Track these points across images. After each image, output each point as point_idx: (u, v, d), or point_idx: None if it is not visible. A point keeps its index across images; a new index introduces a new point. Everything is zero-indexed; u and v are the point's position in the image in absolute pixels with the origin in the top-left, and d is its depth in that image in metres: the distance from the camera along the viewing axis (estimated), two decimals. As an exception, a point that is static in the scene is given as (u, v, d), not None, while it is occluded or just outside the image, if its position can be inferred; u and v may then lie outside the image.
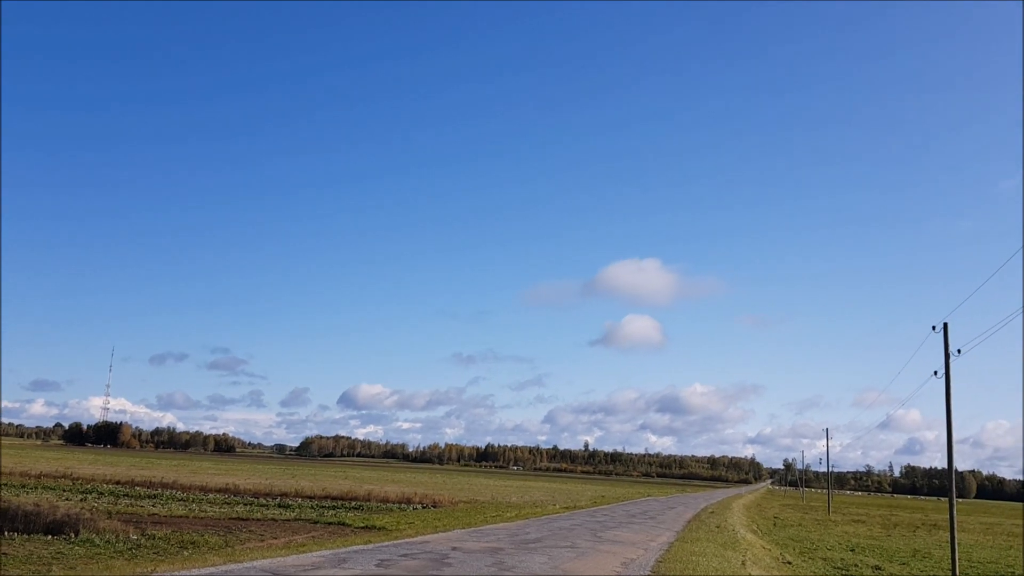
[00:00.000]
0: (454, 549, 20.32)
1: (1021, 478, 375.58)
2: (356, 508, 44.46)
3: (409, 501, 52.24)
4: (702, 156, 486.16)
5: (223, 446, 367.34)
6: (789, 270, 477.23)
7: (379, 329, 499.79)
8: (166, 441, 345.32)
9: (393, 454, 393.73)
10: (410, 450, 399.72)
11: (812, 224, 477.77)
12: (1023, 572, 26.88)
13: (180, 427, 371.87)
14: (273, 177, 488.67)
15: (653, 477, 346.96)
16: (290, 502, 47.18)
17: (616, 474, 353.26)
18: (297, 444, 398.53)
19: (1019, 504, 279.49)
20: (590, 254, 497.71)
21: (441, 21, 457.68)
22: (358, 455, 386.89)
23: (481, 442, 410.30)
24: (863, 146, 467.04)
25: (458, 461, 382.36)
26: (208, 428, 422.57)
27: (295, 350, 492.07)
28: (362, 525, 30.56)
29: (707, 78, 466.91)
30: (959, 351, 28.90)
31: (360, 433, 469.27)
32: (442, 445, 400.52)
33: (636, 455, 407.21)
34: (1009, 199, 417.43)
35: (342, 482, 73.01)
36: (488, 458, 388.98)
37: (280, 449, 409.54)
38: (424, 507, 47.72)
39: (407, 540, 22.30)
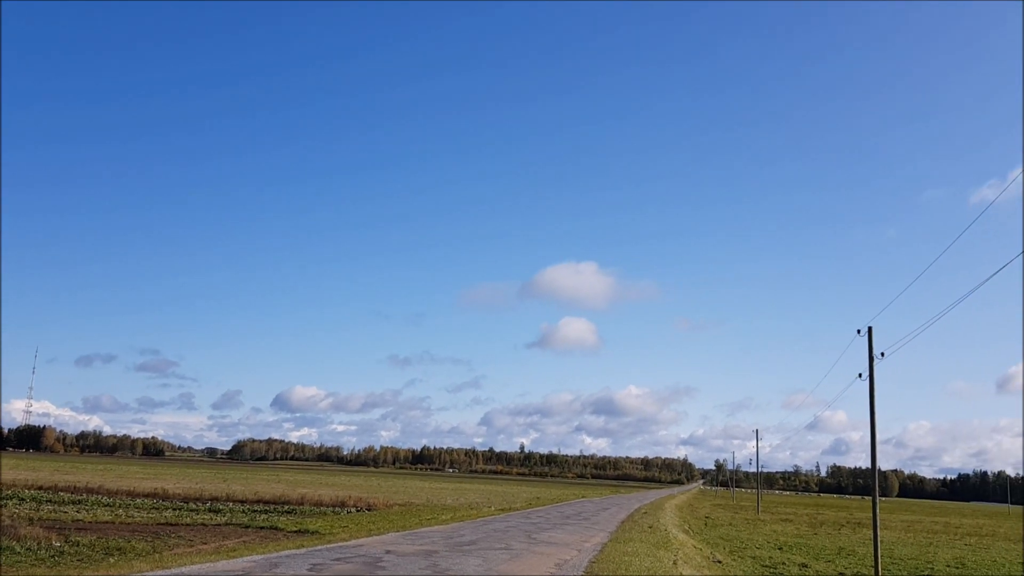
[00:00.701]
0: (388, 552, 20.22)
1: (940, 477, 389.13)
2: (289, 512, 43.86)
3: (343, 505, 51.74)
4: (640, 160, 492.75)
5: (152, 450, 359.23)
6: (722, 274, 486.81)
7: (314, 331, 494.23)
8: (92, 445, 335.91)
9: (328, 457, 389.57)
10: (345, 453, 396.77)
11: (745, 230, 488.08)
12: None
13: (107, 431, 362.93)
14: (204, 176, 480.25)
15: (588, 478, 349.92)
16: (221, 507, 46.33)
17: (551, 476, 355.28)
18: (229, 448, 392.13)
19: (938, 502, 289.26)
20: (528, 256, 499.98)
21: (376, 21, 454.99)
22: (292, 458, 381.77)
23: (417, 444, 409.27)
24: (794, 154, 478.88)
25: (394, 464, 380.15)
26: (136, 432, 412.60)
27: (227, 352, 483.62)
28: (295, 529, 30.20)
29: (645, 81, 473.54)
30: (882, 354, 29.81)
31: (294, 436, 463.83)
32: (377, 448, 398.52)
33: (571, 457, 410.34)
34: (932, 208, 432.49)
35: (275, 486, 71.97)
36: (424, 460, 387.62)
37: (211, 453, 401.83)
38: (359, 510, 47.33)
39: (340, 544, 22.10)
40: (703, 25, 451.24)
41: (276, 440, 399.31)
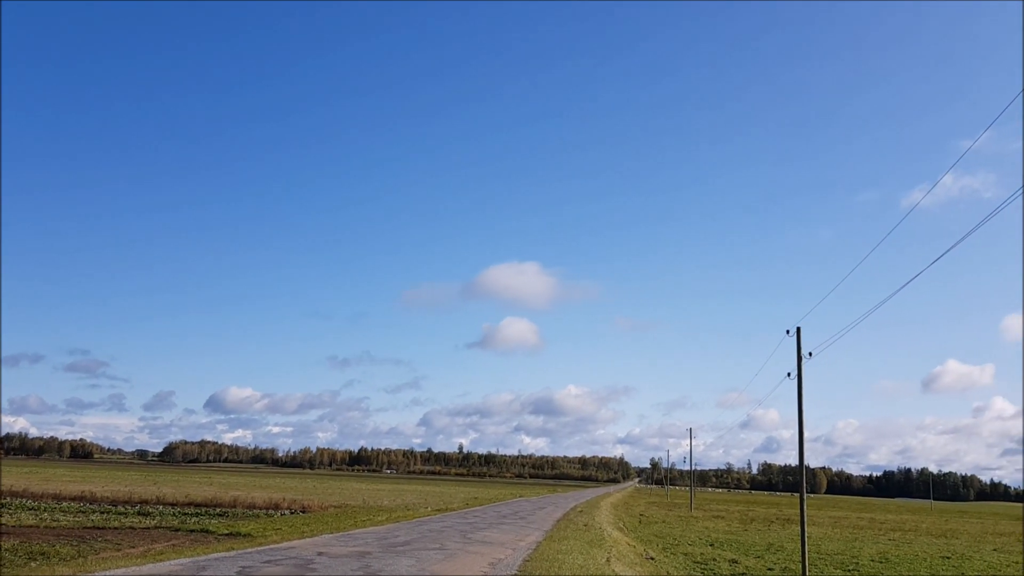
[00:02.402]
0: (320, 554, 20.05)
1: (866, 474, 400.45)
2: (221, 515, 43.16)
3: (277, 507, 51.13)
4: (583, 159, 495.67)
5: (80, 452, 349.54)
6: (662, 275, 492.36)
7: (250, 330, 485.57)
8: (17, 448, 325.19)
9: (262, 459, 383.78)
10: (280, 455, 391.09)
11: (684, 230, 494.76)
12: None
13: (33, 432, 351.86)
14: (138, 171, 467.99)
15: (526, 478, 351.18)
16: (151, 510, 45.39)
17: (490, 476, 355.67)
18: (160, 450, 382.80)
19: (865, 498, 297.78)
20: (470, 256, 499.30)
21: (311, 29, 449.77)
22: (225, 460, 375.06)
23: (355, 446, 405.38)
24: (733, 157, 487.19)
25: (330, 466, 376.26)
26: (64, 433, 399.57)
27: (160, 351, 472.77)
28: (226, 532, 29.74)
29: (585, 79, 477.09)
30: (810, 354, 30.59)
31: (228, 438, 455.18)
32: (313, 449, 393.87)
33: (510, 457, 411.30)
34: (865, 210, 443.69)
35: (207, 488, 70.65)
36: (361, 462, 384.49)
37: (142, 455, 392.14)
38: (293, 513, 46.81)
39: (272, 546, 21.84)
40: (638, 21, 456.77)
41: (209, 442, 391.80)
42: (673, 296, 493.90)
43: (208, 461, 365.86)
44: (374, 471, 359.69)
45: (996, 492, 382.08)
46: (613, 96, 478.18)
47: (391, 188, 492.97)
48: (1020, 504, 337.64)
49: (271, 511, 48.24)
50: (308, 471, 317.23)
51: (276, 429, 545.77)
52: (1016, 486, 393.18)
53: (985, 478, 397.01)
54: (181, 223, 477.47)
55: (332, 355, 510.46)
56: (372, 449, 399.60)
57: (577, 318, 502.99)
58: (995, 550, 45.41)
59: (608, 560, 23.56)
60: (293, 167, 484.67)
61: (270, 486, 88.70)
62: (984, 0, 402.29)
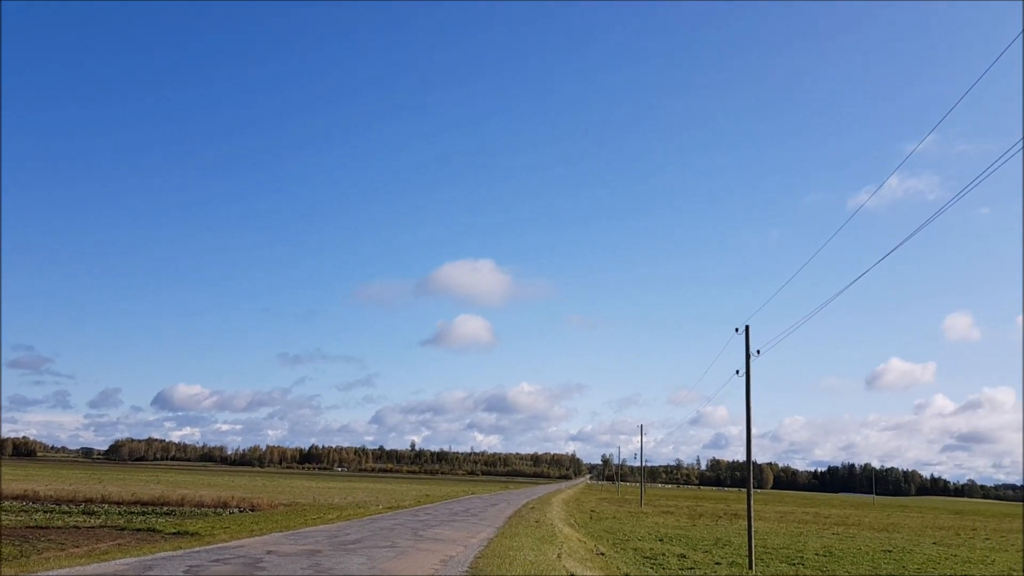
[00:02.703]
0: (269, 553, 19.90)
1: (812, 469, 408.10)
2: (168, 514, 42.55)
3: (226, 505, 50.55)
4: (536, 158, 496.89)
5: (23, 450, 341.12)
6: (615, 272, 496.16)
7: (199, 327, 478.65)
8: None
9: (211, 457, 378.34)
10: (229, 453, 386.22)
11: (637, 228, 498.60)
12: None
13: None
14: (82, 162, 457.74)
15: (478, 475, 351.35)
16: (96, 508, 44.56)
17: (442, 473, 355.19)
18: (106, 448, 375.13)
19: (810, 493, 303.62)
20: (424, 253, 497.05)
21: (272, 20, 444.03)
22: (173, 458, 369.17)
23: (305, 443, 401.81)
24: (683, 157, 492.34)
25: (280, 464, 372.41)
26: (6, 431, 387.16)
27: (106, 348, 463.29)
28: (173, 531, 29.34)
29: (538, 78, 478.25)
30: (758, 351, 31.18)
31: (175, 436, 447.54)
32: (263, 447, 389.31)
33: (462, 454, 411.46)
34: (813, 211, 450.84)
35: (154, 487, 69.48)
36: (312, 460, 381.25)
37: (87, 453, 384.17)
38: (241, 511, 46.31)
39: (220, 545, 21.60)
40: (593, 19, 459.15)
41: (156, 440, 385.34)
42: (625, 294, 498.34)
43: (155, 459, 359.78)
44: (325, 469, 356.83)
45: (936, 487, 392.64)
46: (568, 95, 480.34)
47: (344, 184, 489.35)
48: (959, 498, 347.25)
49: (220, 510, 47.66)
50: (258, 469, 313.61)
51: (225, 427, 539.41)
52: (955, 481, 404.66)
53: (926, 473, 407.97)
54: (127, 216, 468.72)
55: (283, 352, 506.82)
56: (323, 447, 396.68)
57: (531, 316, 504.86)
58: (935, 544, 46.68)
59: (559, 556, 23.74)
60: (245, 161, 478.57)
61: (219, 484, 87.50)
62: (932, 1, 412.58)
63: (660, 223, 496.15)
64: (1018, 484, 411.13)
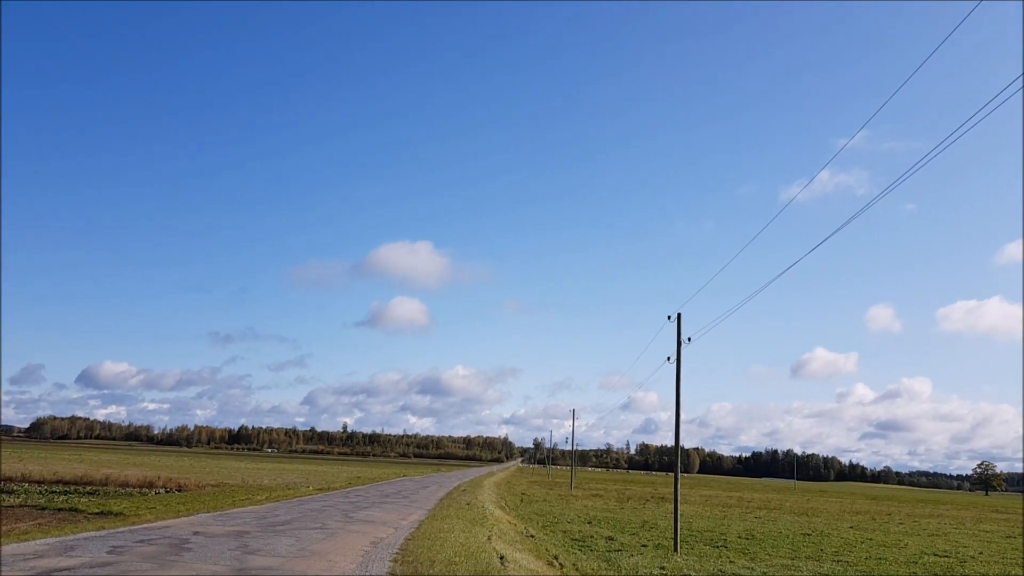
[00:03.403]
0: (196, 533, 19.67)
1: (737, 455, 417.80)
2: (91, 493, 41.63)
3: (152, 485, 49.67)
4: (477, 141, 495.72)
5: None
6: (552, 258, 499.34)
7: (126, 303, 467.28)
8: None
9: (137, 436, 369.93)
10: (156, 432, 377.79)
11: (575, 216, 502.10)
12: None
13: None
14: (21, 135, 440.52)
15: (411, 458, 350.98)
16: (15, 487, 43.37)
17: (374, 455, 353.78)
18: (27, 425, 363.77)
19: (734, 478, 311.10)
20: (361, 234, 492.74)
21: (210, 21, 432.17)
22: (97, 437, 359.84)
23: (235, 424, 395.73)
24: (621, 147, 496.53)
25: (208, 444, 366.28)
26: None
27: (28, 322, 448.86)
28: (97, 511, 28.67)
29: (474, 60, 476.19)
30: (689, 339, 31.79)
31: (100, 414, 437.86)
32: (191, 427, 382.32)
33: (395, 436, 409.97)
34: (746, 202, 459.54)
35: (77, 466, 67.73)
36: (241, 440, 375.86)
37: (7, 431, 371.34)
38: (168, 491, 45.54)
39: (146, 525, 21.27)
40: (523, 8, 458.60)
41: (80, 418, 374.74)
42: (562, 280, 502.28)
43: (79, 438, 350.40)
44: (255, 450, 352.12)
45: (854, 473, 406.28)
46: (506, 82, 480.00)
47: (281, 164, 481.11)
48: (876, 484, 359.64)
49: (145, 490, 46.79)
50: (185, 449, 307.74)
51: (152, 406, 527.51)
52: (872, 467, 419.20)
53: (845, 460, 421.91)
54: (53, 188, 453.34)
55: (214, 331, 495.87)
56: (253, 428, 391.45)
57: (468, 299, 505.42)
58: (851, 528, 48.33)
59: (489, 538, 23.98)
60: (178, 138, 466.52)
61: (144, 464, 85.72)
62: (861, 0, 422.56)
63: (598, 211, 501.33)
64: (931, 471, 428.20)
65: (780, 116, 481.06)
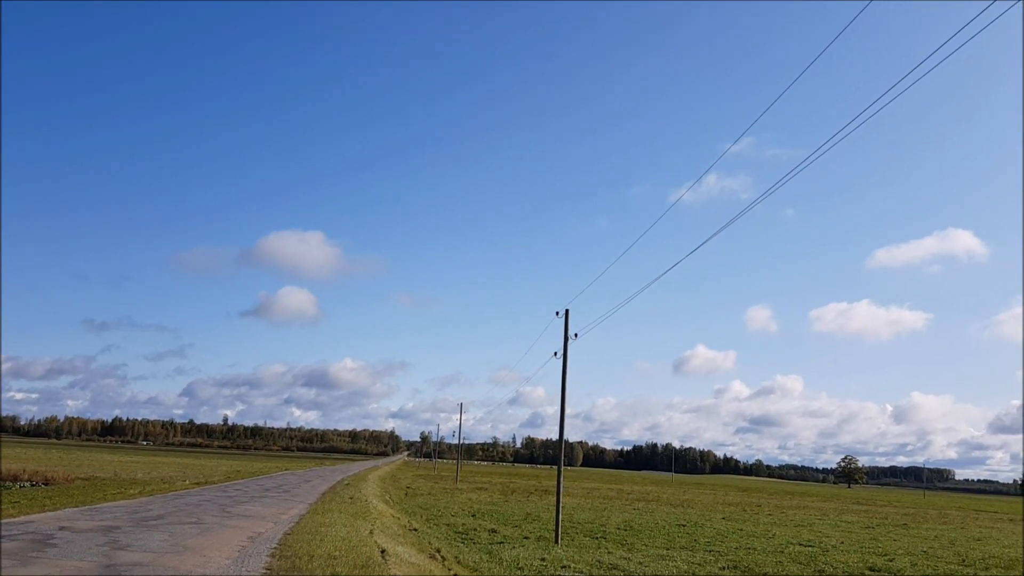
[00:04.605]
0: (62, 528, 18.87)
1: (619, 448, 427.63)
2: (-55, 488, 39.18)
3: (16, 479, 47.32)
4: (370, 130, 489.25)
5: None
6: (445, 253, 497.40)
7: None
8: None
9: (1, 427, 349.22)
10: (23, 423, 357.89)
11: (469, 212, 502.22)
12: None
13: None
14: None
15: (294, 451, 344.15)
16: None
17: (256, 449, 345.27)
18: None
19: (616, 471, 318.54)
20: (249, 221, 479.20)
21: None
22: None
23: (108, 415, 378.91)
24: (520, 144, 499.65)
25: (80, 436, 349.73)
26: None
27: None
28: (-49, 507, 27.09)
29: (372, 48, 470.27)
30: (576, 335, 32.41)
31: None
32: (61, 418, 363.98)
33: (278, 429, 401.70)
34: (638, 202, 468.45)
35: (-71, 459, 63.69)
36: (115, 432, 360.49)
37: None
38: (34, 485, 43.46)
39: (7, 520, 20.23)
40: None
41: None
42: (455, 275, 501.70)
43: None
44: (129, 442, 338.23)
45: (728, 466, 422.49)
46: (404, 70, 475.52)
47: (165, 145, 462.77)
48: (748, 477, 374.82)
49: (9, 483, 44.49)
50: (54, 441, 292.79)
51: (19, 395, 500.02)
52: (745, 461, 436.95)
53: (720, 453, 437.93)
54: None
55: (88, 318, 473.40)
56: (128, 419, 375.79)
57: (359, 291, 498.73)
58: (724, 519, 50.30)
59: (371, 532, 23.89)
60: (60, 117, 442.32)
61: (9, 456, 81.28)
62: (751, 1, 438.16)
63: (492, 206, 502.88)
64: (799, 464, 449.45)
65: (672, 120, 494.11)
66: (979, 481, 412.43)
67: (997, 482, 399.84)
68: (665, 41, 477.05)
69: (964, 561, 31.55)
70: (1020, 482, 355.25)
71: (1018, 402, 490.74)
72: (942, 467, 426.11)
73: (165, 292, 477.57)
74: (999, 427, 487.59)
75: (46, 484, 44.32)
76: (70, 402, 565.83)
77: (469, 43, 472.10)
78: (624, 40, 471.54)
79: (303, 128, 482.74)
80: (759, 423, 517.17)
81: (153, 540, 17.83)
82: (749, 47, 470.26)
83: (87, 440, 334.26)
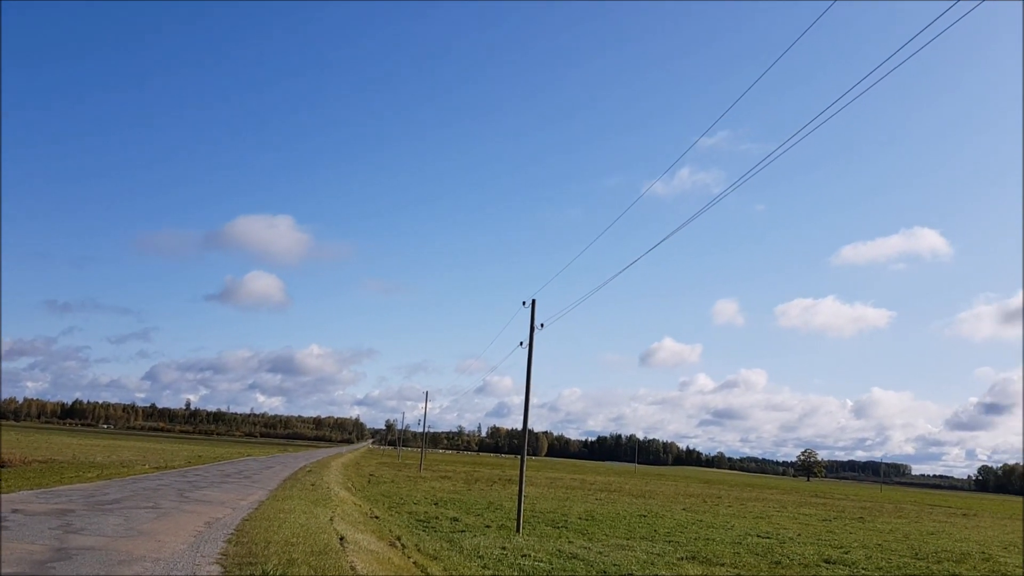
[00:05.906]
0: (15, 511, 18.56)
1: (583, 439, 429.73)
2: None
3: (-32, 461, 46.32)
4: (342, 115, 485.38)
5: None
6: (415, 240, 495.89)
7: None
8: None
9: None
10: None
11: (439, 200, 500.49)
12: None
13: None
14: None
15: (257, 437, 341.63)
16: None
17: (218, 434, 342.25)
18: None
19: (579, 461, 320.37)
20: (217, 204, 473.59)
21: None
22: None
23: (69, 398, 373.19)
24: (490, 129, 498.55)
25: (39, 418, 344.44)
26: None
27: None
28: (-99, 489, 26.55)
29: (342, 33, 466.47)
30: (542, 325, 32.49)
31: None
32: (20, 400, 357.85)
33: (241, 415, 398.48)
34: (611, 193, 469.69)
35: None
36: (75, 415, 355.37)
37: None
38: (-14, 468, 42.59)
39: (-43, 504, 19.89)
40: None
41: None
42: (425, 262, 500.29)
43: None
44: (89, 425, 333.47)
45: (691, 458, 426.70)
46: (376, 59, 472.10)
47: (132, 126, 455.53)
48: (709, 469, 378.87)
49: (-40, 466, 43.61)
50: (13, 423, 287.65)
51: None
52: (707, 453, 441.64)
53: (683, 445, 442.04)
54: None
55: (51, 299, 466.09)
56: (89, 402, 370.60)
57: (327, 277, 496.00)
58: (684, 510, 50.81)
59: (331, 519, 23.78)
60: (18, 85, 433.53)
61: (-39, 439, 79.80)
62: (721, 1, 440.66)
63: (465, 194, 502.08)
64: (760, 457, 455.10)
65: (650, 112, 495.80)
66: (935, 476, 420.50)
67: (952, 477, 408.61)
68: (648, 33, 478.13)
69: (917, 555, 32.15)
70: (974, 478, 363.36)
71: (975, 400, 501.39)
72: (899, 462, 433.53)
73: (129, 274, 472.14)
74: (956, 424, 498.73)
75: (2, 467, 43.56)
76: (30, 384, 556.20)
77: (439, 32, 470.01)
78: (601, 29, 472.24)
79: (276, 113, 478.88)
80: (722, 416, 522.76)
81: (107, 524, 17.61)
82: (736, 40, 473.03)
83: (46, 423, 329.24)
